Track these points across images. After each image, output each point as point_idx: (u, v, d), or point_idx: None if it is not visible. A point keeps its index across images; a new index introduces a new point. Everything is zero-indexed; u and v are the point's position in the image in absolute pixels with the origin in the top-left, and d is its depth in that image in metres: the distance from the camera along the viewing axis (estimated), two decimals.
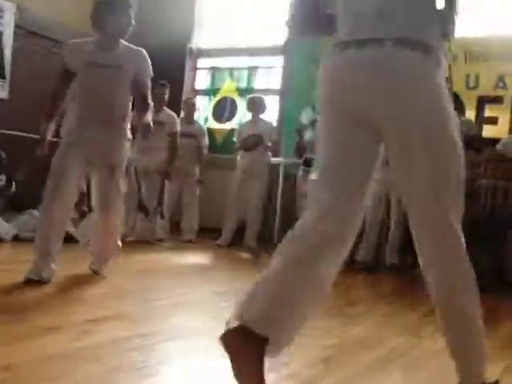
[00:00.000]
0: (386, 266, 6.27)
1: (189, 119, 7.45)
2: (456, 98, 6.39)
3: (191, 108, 7.56)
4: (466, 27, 7.24)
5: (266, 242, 7.19)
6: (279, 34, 8.60)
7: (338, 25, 2.13)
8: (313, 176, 2.37)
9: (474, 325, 2.03)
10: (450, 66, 6.13)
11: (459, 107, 6.47)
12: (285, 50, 8.41)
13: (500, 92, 7.04)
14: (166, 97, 6.94)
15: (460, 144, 1.98)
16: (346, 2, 2.09)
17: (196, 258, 6.16)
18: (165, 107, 6.92)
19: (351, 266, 6.19)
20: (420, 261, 2.11)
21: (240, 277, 5.01)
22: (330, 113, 2.09)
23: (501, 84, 7.04)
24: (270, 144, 7.17)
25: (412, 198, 2.01)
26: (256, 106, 7.32)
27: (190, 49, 9.21)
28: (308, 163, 6.92)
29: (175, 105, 8.79)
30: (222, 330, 3.07)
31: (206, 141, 7.49)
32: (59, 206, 3.85)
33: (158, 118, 6.24)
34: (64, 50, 4.07)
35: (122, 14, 3.90)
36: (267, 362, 2.00)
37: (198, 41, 9.27)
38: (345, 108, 2.02)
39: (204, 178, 7.33)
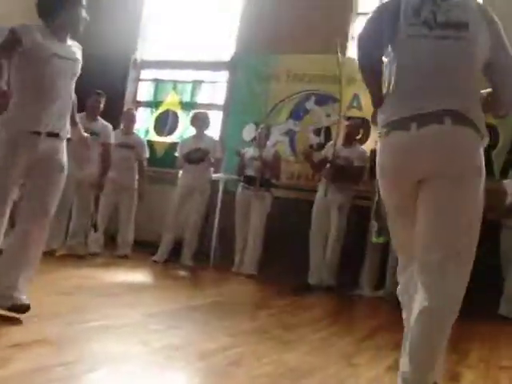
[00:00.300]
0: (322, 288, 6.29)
1: (128, 130, 7.29)
2: (367, 123, 6.54)
3: (131, 119, 7.39)
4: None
5: (203, 260, 7.11)
6: (224, 49, 8.58)
7: (388, 100, 2.57)
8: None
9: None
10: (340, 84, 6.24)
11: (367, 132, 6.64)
12: (230, 65, 8.37)
13: None
14: (101, 106, 6.74)
15: None
16: (404, 80, 2.54)
17: (130, 275, 6.00)
18: (99, 117, 6.74)
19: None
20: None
21: (174, 297, 4.91)
22: (388, 184, 2.60)
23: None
24: (213, 160, 7.10)
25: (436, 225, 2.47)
26: (200, 122, 7.23)
27: (134, 60, 9.07)
28: (246, 180, 6.89)
29: (116, 116, 8.64)
30: (150, 356, 3.00)
31: (147, 153, 7.35)
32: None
33: (91, 128, 6.07)
34: (19, 27, 3.46)
35: (76, 7, 3.61)
36: None
37: (142, 52, 9.14)
38: (401, 176, 2.53)
39: (142, 191, 7.18)
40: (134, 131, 7.54)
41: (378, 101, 2.64)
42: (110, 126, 6.78)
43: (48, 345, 2.92)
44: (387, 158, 2.54)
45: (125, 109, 8.53)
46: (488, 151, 6.88)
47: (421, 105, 2.44)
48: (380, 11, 2.66)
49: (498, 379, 3.42)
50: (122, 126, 7.37)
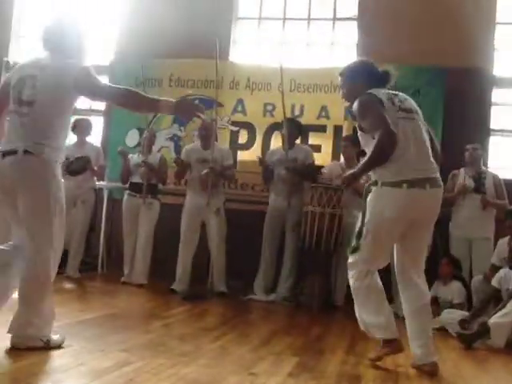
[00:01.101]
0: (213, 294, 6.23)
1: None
2: (299, 126, 6.57)
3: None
4: (292, 58, 7.55)
5: (90, 270, 6.83)
6: (103, 53, 8.33)
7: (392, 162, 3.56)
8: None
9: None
10: (282, 93, 6.30)
11: (299, 134, 6.65)
12: (109, 69, 8.12)
13: (323, 121, 7.30)
14: None
15: None
16: (400, 146, 3.56)
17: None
18: None
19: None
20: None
21: (61, 312, 4.58)
22: (391, 224, 3.63)
23: (323, 113, 7.32)
24: (96, 168, 6.83)
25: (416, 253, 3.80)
26: (82, 129, 6.94)
27: (7, 62, 8.60)
28: (133, 188, 6.69)
29: None
30: (38, 381, 2.76)
31: None
32: None
33: None
34: None
35: None
36: None
37: (15, 54, 8.69)
38: (404, 219, 3.65)
39: None
40: None
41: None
42: None
43: None
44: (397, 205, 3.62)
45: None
46: None
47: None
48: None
49: (396, 378, 3.47)
50: None
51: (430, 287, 5.66)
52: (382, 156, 3.55)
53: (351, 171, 3.84)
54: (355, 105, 3.71)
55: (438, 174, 3.69)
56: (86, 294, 5.82)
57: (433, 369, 3.59)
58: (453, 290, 5.67)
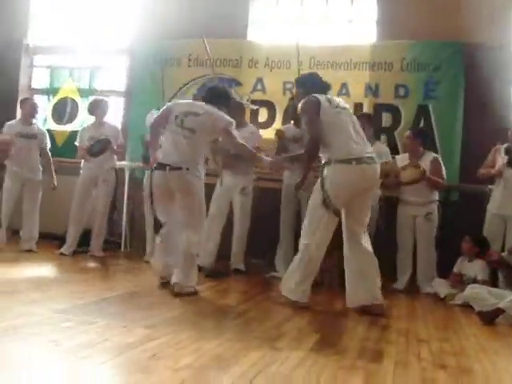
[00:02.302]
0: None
1: (28, 120, 6.91)
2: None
3: (32, 109, 7.00)
4: (312, 35, 7.49)
5: (113, 250, 6.89)
6: (122, 36, 8.33)
7: (340, 145, 4.61)
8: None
9: None
10: (299, 72, 6.25)
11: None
12: (129, 50, 8.13)
13: (343, 99, 7.23)
14: None
15: None
16: (345, 131, 4.64)
17: (36, 269, 5.72)
18: None
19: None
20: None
21: (86, 290, 4.70)
22: (346, 193, 4.62)
23: (344, 91, 7.26)
24: (115, 147, 6.86)
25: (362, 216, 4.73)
26: (100, 110, 6.94)
27: (26, 45, 8.65)
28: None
29: (11, 104, 8.24)
30: (62, 356, 2.82)
31: (49, 142, 7.05)
32: None
33: None
34: None
35: None
36: None
37: (35, 37, 8.72)
38: (356, 190, 4.62)
39: (46, 183, 6.89)
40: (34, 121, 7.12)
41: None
42: None
43: None
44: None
45: (20, 97, 8.14)
46: (391, 131, 7.05)
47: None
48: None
49: (418, 352, 3.46)
50: (20, 116, 6.99)
51: (453, 264, 5.80)
52: (311, 157, 4.80)
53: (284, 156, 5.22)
54: (300, 104, 4.76)
55: (373, 154, 4.68)
56: (109, 272, 5.87)
57: (379, 310, 4.55)
58: (477, 268, 5.65)
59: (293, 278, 4.69)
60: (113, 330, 3.37)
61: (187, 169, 4.79)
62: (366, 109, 7.12)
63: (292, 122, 6.61)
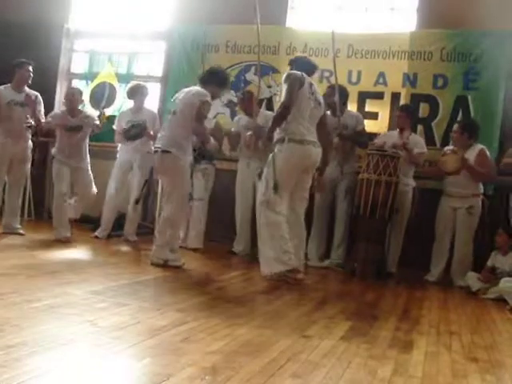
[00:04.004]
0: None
1: (73, 112, 6.57)
2: (344, 91, 6.47)
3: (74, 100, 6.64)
4: (350, 23, 7.42)
5: (147, 234, 6.97)
6: (161, 20, 8.37)
7: (298, 119, 5.14)
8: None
9: None
10: (334, 60, 6.21)
11: (345, 101, 6.55)
12: (167, 35, 8.17)
13: (380, 88, 7.19)
14: (30, 75, 6.44)
15: None
16: (305, 111, 5.17)
17: (71, 252, 5.81)
18: (26, 87, 6.46)
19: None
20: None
21: (119, 273, 4.77)
22: (294, 168, 5.12)
23: (381, 80, 7.20)
24: (152, 133, 6.90)
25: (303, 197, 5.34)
26: (139, 94, 6.99)
27: (67, 29, 8.74)
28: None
29: (50, 88, 8.36)
30: (97, 335, 2.88)
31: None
32: None
33: (17, 99, 6.29)
34: None
35: None
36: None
37: (76, 21, 8.81)
38: (302, 167, 5.16)
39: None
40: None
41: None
42: (39, 95, 6.50)
43: None
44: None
45: (59, 81, 8.27)
46: (428, 122, 6.97)
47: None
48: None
49: (449, 344, 3.45)
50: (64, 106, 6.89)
51: (487, 258, 5.74)
52: (278, 119, 5.16)
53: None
54: (286, 74, 5.24)
55: (317, 140, 5.23)
56: (142, 256, 5.94)
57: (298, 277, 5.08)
58: (511, 261, 5.58)
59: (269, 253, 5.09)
60: (145, 313, 3.42)
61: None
62: (403, 99, 7.07)
63: (329, 110, 6.59)
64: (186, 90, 5.39)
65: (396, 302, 4.78)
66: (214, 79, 5.40)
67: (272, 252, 5.05)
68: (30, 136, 6.52)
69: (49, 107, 8.40)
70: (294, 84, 5.12)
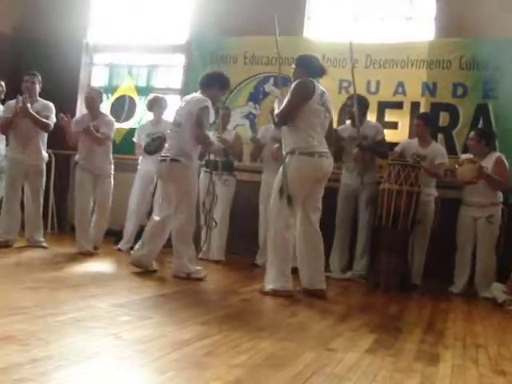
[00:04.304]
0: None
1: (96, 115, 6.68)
2: (364, 102, 6.46)
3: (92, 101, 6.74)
4: (368, 33, 7.42)
5: (169, 247, 6.96)
6: (179, 33, 8.42)
7: (308, 132, 4.99)
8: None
9: None
10: (352, 70, 6.20)
11: (365, 111, 6.54)
12: (186, 48, 8.22)
13: (399, 98, 7.17)
14: (37, 86, 6.54)
15: None
16: (315, 123, 5.02)
17: (95, 265, 5.85)
18: (39, 98, 6.56)
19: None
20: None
21: (142, 286, 4.78)
22: (305, 179, 4.99)
23: (400, 90, 7.18)
24: None
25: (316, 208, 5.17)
26: (158, 107, 7.04)
27: (86, 44, 8.83)
28: (210, 165, 6.78)
29: (71, 102, 8.44)
30: (122, 348, 2.88)
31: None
32: None
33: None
34: None
35: None
36: None
37: (95, 35, 8.90)
38: (313, 178, 5.03)
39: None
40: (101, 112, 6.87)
41: None
42: (51, 105, 6.56)
43: (15, 342, 2.76)
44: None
45: (80, 94, 8.35)
46: (448, 130, 6.93)
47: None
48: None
49: (476, 357, 3.40)
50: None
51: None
52: (278, 122, 5.19)
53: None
54: (298, 81, 5.00)
55: (329, 151, 5.10)
56: (165, 269, 5.93)
57: (321, 294, 4.95)
58: None
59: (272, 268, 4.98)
60: (169, 326, 3.41)
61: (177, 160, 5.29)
62: (422, 108, 7.04)
63: (349, 121, 6.60)
64: (187, 98, 5.46)
65: (420, 314, 4.75)
66: (216, 82, 5.44)
67: (275, 270, 4.95)
68: (44, 147, 6.58)
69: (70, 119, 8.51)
70: (301, 95, 4.95)
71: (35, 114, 6.30)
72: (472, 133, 6.34)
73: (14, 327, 3.04)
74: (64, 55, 8.45)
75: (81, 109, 8.66)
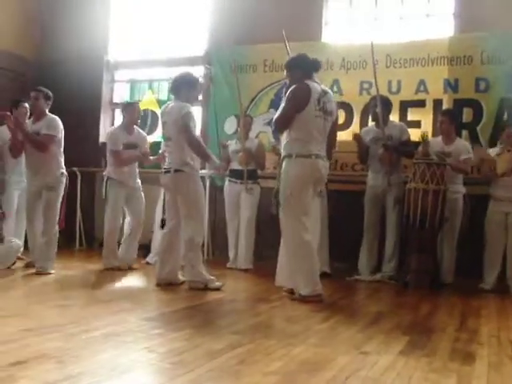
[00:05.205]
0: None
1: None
2: (387, 102, 6.43)
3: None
4: (387, 33, 7.39)
5: None
6: (198, 44, 8.48)
7: (304, 139, 4.89)
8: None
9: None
10: (374, 71, 6.18)
11: (389, 111, 6.52)
12: (205, 59, 8.27)
13: (421, 96, 7.13)
14: (41, 103, 6.05)
15: None
16: (312, 132, 4.89)
17: (123, 279, 5.90)
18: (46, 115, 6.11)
19: None
20: None
21: (172, 298, 4.81)
22: (307, 179, 4.94)
23: (422, 88, 7.13)
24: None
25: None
26: None
27: (107, 61, 8.94)
28: (233, 174, 6.81)
29: (94, 119, 8.55)
30: (156, 362, 2.90)
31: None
32: None
33: (34, 129, 6.03)
34: None
35: None
36: None
37: (115, 53, 9.00)
38: (312, 180, 4.98)
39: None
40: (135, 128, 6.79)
41: None
42: (55, 122, 6.07)
43: (50, 360, 2.80)
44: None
45: (102, 112, 8.44)
46: (473, 126, 6.86)
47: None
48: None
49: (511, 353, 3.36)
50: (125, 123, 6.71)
51: None
52: (275, 130, 5.47)
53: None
54: (292, 87, 4.88)
55: (325, 154, 5.04)
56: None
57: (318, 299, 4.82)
58: None
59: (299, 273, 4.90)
60: (201, 337, 3.42)
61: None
62: (445, 105, 6.98)
63: (373, 122, 6.58)
64: (166, 110, 5.39)
65: (452, 312, 4.69)
66: (183, 84, 5.39)
67: (302, 275, 4.86)
68: (57, 165, 6.09)
69: (93, 137, 8.62)
70: (297, 101, 4.83)
71: (29, 133, 5.96)
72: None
73: (49, 345, 3.08)
74: (85, 73, 8.58)
75: (104, 126, 8.77)
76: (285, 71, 5.19)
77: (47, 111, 6.12)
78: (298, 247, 4.87)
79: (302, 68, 4.99)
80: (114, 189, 6.46)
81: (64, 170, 6.17)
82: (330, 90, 5.17)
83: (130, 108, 6.55)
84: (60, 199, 6.07)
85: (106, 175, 6.54)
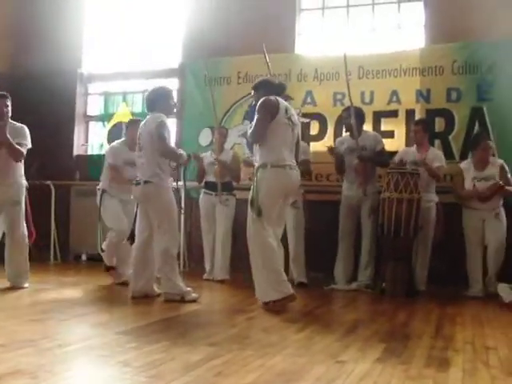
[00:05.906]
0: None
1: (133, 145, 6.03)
2: (360, 113, 6.49)
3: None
4: (359, 45, 7.47)
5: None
6: (172, 57, 8.48)
7: (278, 146, 5.02)
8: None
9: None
10: (347, 82, 6.24)
11: (362, 122, 6.58)
12: (179, 71, 8.28)
13: (394, 106, 7.20)
14: (8, 109, 5.66)
15: None
16: (286, 139, 5.07)
17: (97, 293, 5.85)
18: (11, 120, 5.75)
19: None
20: None
21: (147, 311, 4.78)
22: (278, 192, 5.04)
23: (394, 98, 7.21)
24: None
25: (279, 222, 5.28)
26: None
27: (81, 74, 8.90)
28: (208, 186, 6.80)
29: (68, 131, 8.51)
30: (132, 376, 2.87)
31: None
32: None
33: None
34: None
35: None
36: None
37: (89, 65, 8.97)
38: (285, 191, 5.09)
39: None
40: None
41: None
42: (25, 129, 5.81)
43: (24, 375, 2.76)
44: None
45: (76, 124, 8.40)
46: (445, 135, 6.95)
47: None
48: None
49: (486, 360, 3.38)
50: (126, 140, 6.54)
51: None
52: (251, 143, 5.40)
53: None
54: (261, 100, 5.01)
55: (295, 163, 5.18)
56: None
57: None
58: None
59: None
60: (178, 349, 3.40)
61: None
62: (417, 115, 7.06)
63: (347, 133, 6.63)
64: (144, 122, 5.40)
65: (428, 319, 4.72)
66: (156, 97, 5.40)
67: (267, 282, 4.90)
68: (21, 176, 5.84)
69: (67, 150, 8.57)
70: (267, 111, 4.98)
71: (12, 142, 5.59)
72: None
73: (22, 360, 3.03)
74: (59, 86, 8.54)
75: (78, 139, 8.73)
76: (252, 91, 5.38)
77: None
78: (262, 250, 4.93)
79: (268, 90, 5.14)
80: (109, 200, 6.33)
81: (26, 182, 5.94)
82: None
83: (133, 125, 6.30)
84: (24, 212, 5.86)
85: (100, 189, 6.41)
